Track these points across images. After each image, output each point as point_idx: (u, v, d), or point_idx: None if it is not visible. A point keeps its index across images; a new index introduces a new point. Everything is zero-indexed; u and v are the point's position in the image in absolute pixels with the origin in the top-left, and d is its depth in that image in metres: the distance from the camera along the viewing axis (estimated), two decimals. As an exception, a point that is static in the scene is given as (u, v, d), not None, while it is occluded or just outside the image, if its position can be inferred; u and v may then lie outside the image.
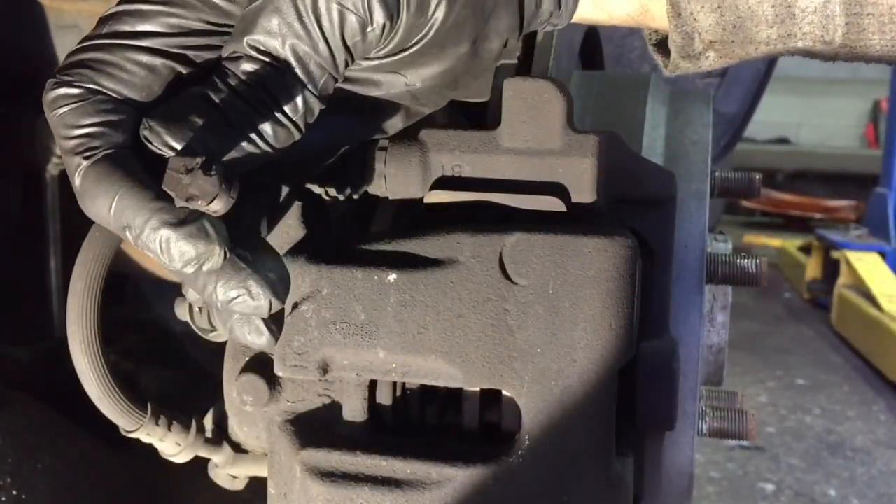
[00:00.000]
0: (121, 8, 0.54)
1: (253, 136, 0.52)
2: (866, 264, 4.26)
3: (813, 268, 4.90)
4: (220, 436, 0.75)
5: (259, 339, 0.59)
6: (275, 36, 0.51)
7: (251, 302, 0.54)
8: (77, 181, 0.51)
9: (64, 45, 1.01)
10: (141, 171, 0.51)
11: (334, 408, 0.65)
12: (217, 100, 0.51)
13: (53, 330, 1.09)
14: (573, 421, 0.58)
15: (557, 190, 0.61)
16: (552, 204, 0.61)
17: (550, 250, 0.58)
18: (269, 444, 0.66)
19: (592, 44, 1.06)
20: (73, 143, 0.51)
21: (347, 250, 0.63)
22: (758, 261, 0.84)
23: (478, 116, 0.68)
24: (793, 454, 2.97)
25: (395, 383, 0.64)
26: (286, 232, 0.65)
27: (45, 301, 1.10)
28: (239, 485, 0.79)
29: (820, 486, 2.75)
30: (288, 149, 0.54)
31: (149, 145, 0.51)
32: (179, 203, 0.49)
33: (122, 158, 0.51)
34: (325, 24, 0.51)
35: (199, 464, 0.77)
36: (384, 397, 0.64)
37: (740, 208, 6.90)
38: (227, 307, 0.54)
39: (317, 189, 0.65)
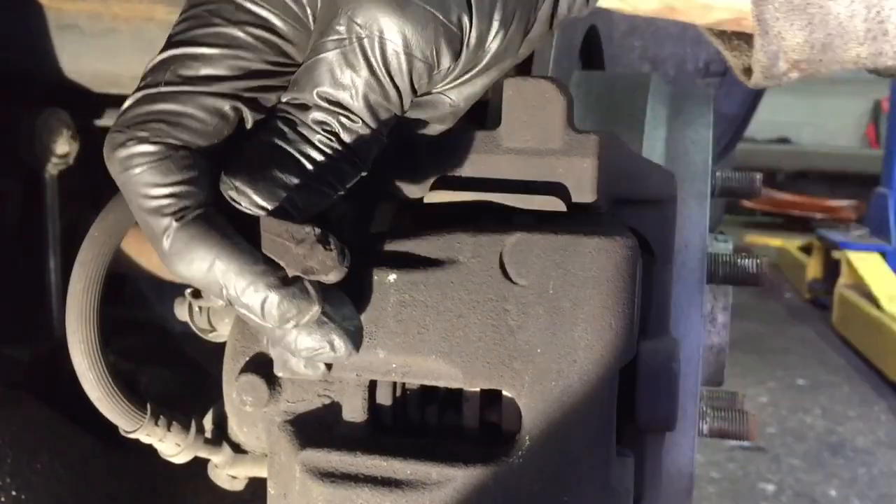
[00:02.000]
0: (178, 52, 0.53)
1: (330, 183, 0.53)
2: (867, 264, 4.26)
3: (814, 268, 4.90)
4: (220, 436, 0.75)
5: (315, 372, 0.60)
6: (347, 88, 0.51)
7: (332, 354, 0.56)
8: (166, 243, 0.51)
9: (64, 45, 1.00)
10: (232, 231, 0.52)
11: (334, 408, 0.65)
12: (291, 150, 0.52)
13: (53, 330, 1.09)
14: (573, 421, 0.58)
15: (557, 190, 0.60)
16: (552, 204, 0.60)
17: (550, 250, 0.58)
18: (268, 445, 0.66)
19: (592, 44, 1.06)
20: (158, 203, 0.51)
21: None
22: (758, 261, 0.84)
23: (478, 116, 0.68)
24: (793, 454, 2.97)
25: (395, 383, 0.64)
26: (286, 232, 0.65)
27: (45, 301, 1.10)
28: (239, 485, 0.79)
29: (821, 486, 2.75)
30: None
31: (237, 206, 0.52)
32: (292, 273, 0.51)
33: (214, 218, 0.51)
34: (396, 74, 0.52)
35: (199, 464, 0.77)
36: (384, 397, 0.64)
37: (741, 208, 6.90)
38: (309, 357, 0.56)
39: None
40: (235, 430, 0.72)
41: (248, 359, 0.68)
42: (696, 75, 1.91)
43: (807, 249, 5.13)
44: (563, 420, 0.58)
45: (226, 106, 0.52)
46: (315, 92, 0.52)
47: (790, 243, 5.49)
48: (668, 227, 0.68)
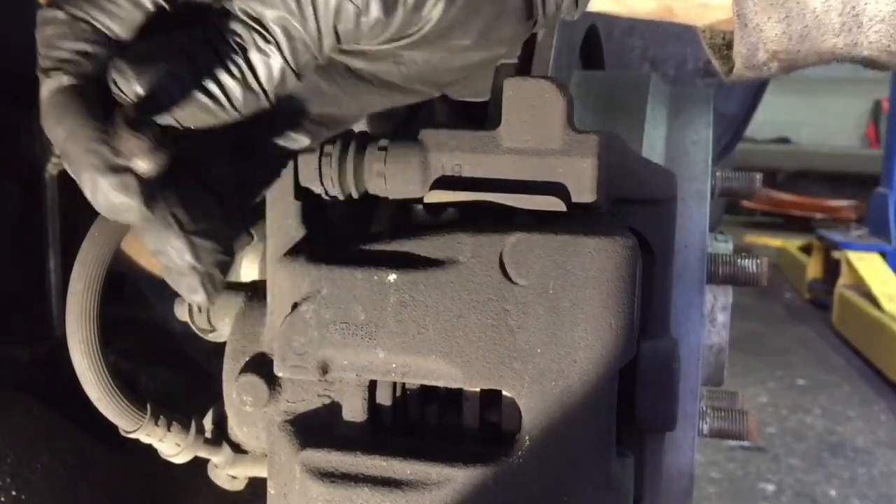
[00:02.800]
0: None
1: (220, 96, 0.52)
2: (867, 264, 4.26)
3: (814, 268, 4.90)
4: (220, 436, 0.75)
5: (193, 296, 0.57)
6: (268, 6, 0.51)
7: (174, 261, 0.54)
8: (42, 102, 0.51)
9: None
10: (99, 109, 0.51)
11: (334, 408, 0.65)
12: (194, 54, 0.51)
13: (53, 330, 1.09)
14: (573, 421, 0.58)
15: (557, 190, 0.60)
16: (552, 204, 0.60)
17: (550, 250, 0.58)
18: (268, 445, 0.66)
19: (592, 44, 1.06)
20: (47, 63, 0.52)
21: (347, 250, 0.63)
22: (758, 261, 0.84)
23: (478, 116, 0.68)
24: (793, 454, 2.97)
25: (395, 383, 0.64)
26: (286, 232, 0.65)
27: (45, 301, 1.10)
28: (239, 485, 0.79)
29: (821, 486, 2.75)
30: (262, 117, 0.54)
31: (113, 86, 0.51)
32: (119, 160, 0.49)
33: (86, 92, 0.51)
34: (321, 6, 0.51)
35: (199, 464, 0.77)
36: (384, 397, 0.64)
37: (741, 208, 6.90)
38: (157, 259, 0.55)
39: (317, 189, 0.65)
40: (235, 429, 0.72)
41: (248, 359, 0.68)
42: (696, 75, 1.91)
43: (807, 249, 5.13)
44: (563, 420, 0.58)
45: None
46: (238, 3, 0.51)
47: (790, 243, 5.49)
48: (668, 227, 0.68)
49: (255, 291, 0.72)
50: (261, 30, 0.51)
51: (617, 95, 0.89)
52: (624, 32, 1.69)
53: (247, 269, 0.82)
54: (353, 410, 0.64)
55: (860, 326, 4.03)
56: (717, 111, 0.94)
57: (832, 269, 4.61)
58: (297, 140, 0.59)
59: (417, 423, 0.65)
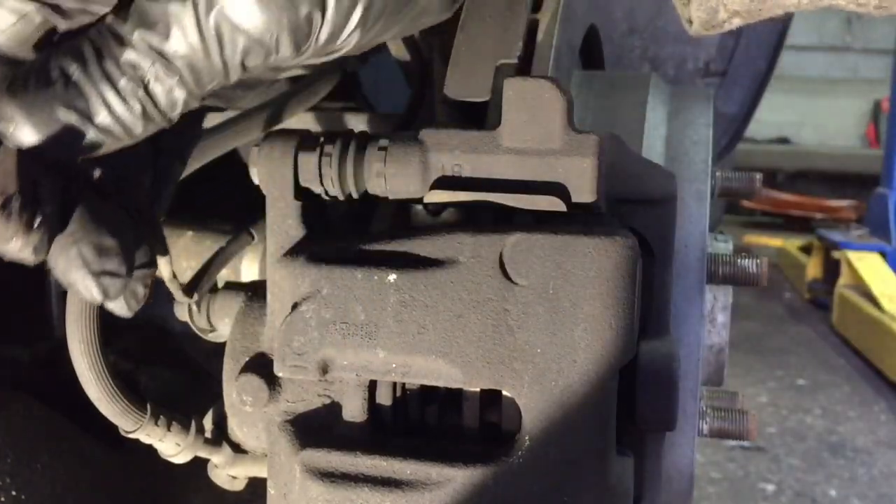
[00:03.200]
0: None
1: (117, 131, 0.51)
2: (867, 264, 4.25)
3: (813, 268, 4.90)
4: (220, 436, 0.75)
5: (120, 313, 0.58)
6: (172, 41, 0.50)
7: (85, 296, 0.54)
8: None
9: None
10: None
11: (334, 408, 0.65)
12: (89, 87, 0.50)
13: (53, 330, 1.09)
14: (573, 421, 0.58)
15: (557, 190, 0.60)
16: (552, 204, 0.60)
17: (550, 250, 0.58)
18: (268, 445, 0.66)
19: (592, 44, 1.06)
20: None
21: (347, 250, 0.63)
22: (758, 261, 0.84)
23: (478, 116, 0.68)
24: (793, 454, 2.97)
25: (395, 383, 0.64)
26: (286, 232, 0.65)
27: (45, 301, 1.10)
28: (239, 485, 0.79)
29: (821, 486, 2.75)
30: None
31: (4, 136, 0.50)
32: None
33: None
34: (228, 46, 0.50)
35: (199, 464, 0.77)
36: (384, 397, 0.64)
37: (741, 208, 6.90)
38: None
39: (317, 189, 0.65)
40: (235, 429, 0.72)
41: (247, 359, 0.68)
42: (696, 75, 1.91)
43: (807, 249, 5.12)
44: (563, 420, 0.58)
45: (28, 7, 0.50)
46: (139, 32, 0.50)
47: (790, 243, 5.49)
48: (668, 227, 0.68)
49: (255, 291, 0.72)
50: (163, 62, 0.50)
51: (617, 95, 0.89)
52: (623, 33, 1.69)
53: (247, 269, 0.82)
54: (353, 410, 0.64)
55: (860, 326, 4.03)
56: (717, 111, 0.94)
57: (832, 270, 4.61)
58: (211, 118, 0.58)
59: (417, 423, 0.65)
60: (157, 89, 0.50)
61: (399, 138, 0.63)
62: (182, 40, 0.50)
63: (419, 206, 0.65)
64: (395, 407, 0.64)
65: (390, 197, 0.64)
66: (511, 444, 0.60)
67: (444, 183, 0.62)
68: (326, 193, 0.65)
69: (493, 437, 0.62)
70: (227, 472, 0.77)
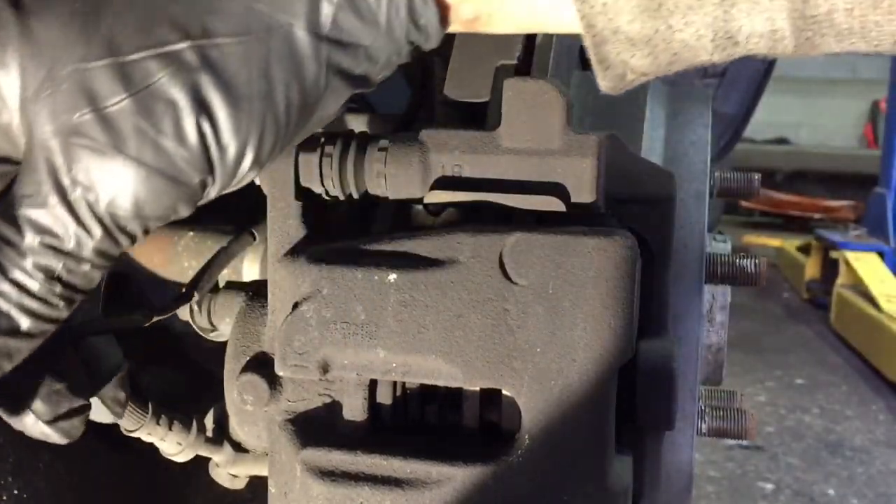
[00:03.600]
0: None
1: (47, 326, 0.50)
2: (865, 264, 4.26)
3: (812, 268, 4.90)
4: (221, 435, 0.75)
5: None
6: (75, 242, 0.48)
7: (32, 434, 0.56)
8: None
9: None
10: None
11: (335, 407, 0.65)
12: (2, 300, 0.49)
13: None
14: (573, 420, 0.58)
15: (557, 190, 0.61)
16: (552, 204, 0.61)
17: (550, 250, 0.58)
18: (269, 444, 0.66)
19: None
20: None
21: (347, 250, 0.63)
22: (757, 261, 0.84)
23: (478, 117, 0.68)
24: (792, 453, 2.97)
25: (395, 383, 0.64)
26: (287, 232, 0.65)
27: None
28: (239, 484, 0.79)
29: (819, 485, 2.76)
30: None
31: None
32: None
33: None
34: (127, 227, 0.49)
35: (200, 463, 0.77)
36: (384, 397, 0.64)
37: (740, 208, 6.90)
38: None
39: (317, 189, 0.65)
40: (236, 429, 0.72)
41: (248, 358, 0.68)
42: (695, 76, 1.91)
43: (805, 249, 5.12)
44: (563, 419, 0.58)
45: None
46: (39, 239, 0.48)
47: (788, 243, 5.49)
48: (667, 228, 0.68)
49: (256, 291, 0.72)
50: (70, 259, 0.49)
51: (616, 96, 0.89)
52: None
53: (248, 269, 0.82)
54: (354, 409, 0.64)
55: (858, 326, 4.03)
56: (716, 111, 0.94)
57: (830, 269, 4.61)
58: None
59: (418, 422, 0.65)
60: (73, 279, 0.50)
61: (399, 139, 0.63)
62: (83, 234, 0.48)
63: (419, 206, 0.66)
64: (396, 406, 0.65)
65: (390, 197, 0.64)
66: (511, 443, 0.60)
67: (444, 183, 0.63)
68: (327, 194, 0.65)
69: (493, 436, 0.63)
70: (229, 471, 0.77)
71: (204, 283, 0.73)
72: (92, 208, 0.48)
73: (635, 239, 0.60)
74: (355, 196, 0.65)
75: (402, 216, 0.67)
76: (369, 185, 0.64)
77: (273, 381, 0.65)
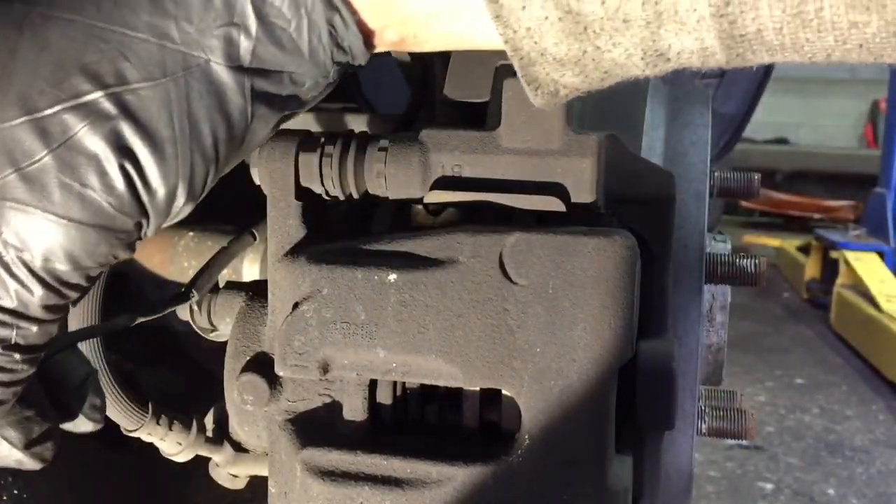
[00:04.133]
0: None
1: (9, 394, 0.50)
2: (865, 264, 4.26)
3: (812, 268, 4.91)
4: (221, 435, 0.75)
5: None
6: (20, 302, 0.48)
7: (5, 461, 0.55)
8: None
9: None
10: None
11: (335, 407, 0.65)
12: None
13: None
14: (573, 420, 0.58)
15: (557, 190, 0.61)
16: (552, 204, 0.61)
17: (550, 250, 0.58)
18: (269, 444, 0.66)
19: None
20: None
21: (347, 250, 0.63)
22: (757, 261, 0.84)
23: (478, 117, 0.68)
24: (792, 453, 2.97)
25: (395, 383, 0.64)
26: (287, 232, 0.65)
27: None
28: (240, 483, 0.79)
29: (819, 485, 2.76)
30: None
31: None
32: None
33: None
34: (67, 281, 0.49)
35: (200, 463, 0.77)
36: (384, 397, 0.64)
37: (739, 208, 6.90)
38: None
39: (317, 189, 0.65)
40: (236, 428, 0.72)
41: (248, 358, 0.68)
42: (695, 76, 1.91)
43: (805, 249, 5.13)
44: (563, 419, 0.58)
45: None
46: None
47: (788, 243, 5.49)
48: (666, 228, 0.68)
49: (256, 291, 0.72)
50: (20, 321, 0.49)
51: (616, 96, 0.89)
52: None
53: (248, 269, 0.82)
54: (354, 409, 0.64)
55: (858, 326, 4.04)
56: (716, 111, 0.94)
57: (830, 269, 4.61)
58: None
59: (417, 422, 0.65)
60: (29, 340, 0.50)
61: (399, 139, 0.63)
62: (26, 294, 0.48)
63: (419, 206, 0.66)
64: (396, 406, 0.65)
65: (390, 197, 0.64)
66: (511, 442, 0.60)
67: (444, 183, 0.63)
68: (327, 193, 0.65)
69: (493, 436, 0.63)
70: (229, 471, 0.77)
71: (204, 283, 0.73)
72: (28, 267, 0.47)
73: (635, 239, 0.60)
74: (355, 196, 0.65)
75: (402, 216, 0.67)
76: (369, 185, 0.64)
77: (273, 381, 0.65)
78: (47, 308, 0.49)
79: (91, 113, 0.46)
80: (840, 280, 4.38)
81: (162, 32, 0.46)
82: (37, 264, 0.47)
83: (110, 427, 0.74)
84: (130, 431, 0.73)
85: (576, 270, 0.58)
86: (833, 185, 7.01)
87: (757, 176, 0.90)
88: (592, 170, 0.60)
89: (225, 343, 0.71)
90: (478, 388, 0.62)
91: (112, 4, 0.46)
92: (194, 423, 0.75)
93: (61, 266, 0.48)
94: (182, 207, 0.50)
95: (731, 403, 0.88)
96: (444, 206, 0.64)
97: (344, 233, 0.68)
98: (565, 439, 0.59)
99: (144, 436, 0.73)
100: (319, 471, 0.62)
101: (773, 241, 5.76)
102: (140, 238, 0.50)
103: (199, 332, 0.75)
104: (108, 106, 0.46)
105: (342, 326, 0.61)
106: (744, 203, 6.63)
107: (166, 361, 1.06)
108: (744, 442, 2.84)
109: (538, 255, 0.58)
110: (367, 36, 0.49)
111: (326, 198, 0.65)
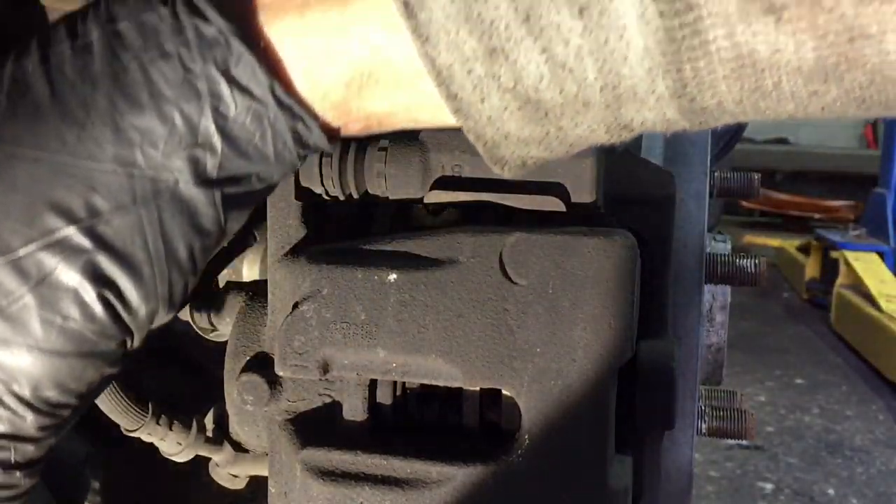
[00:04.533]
0: None
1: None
2: (865, 264, 4.26)
3: (812, 268, 4.91)
4: (221, 435, 0.75)
5: None
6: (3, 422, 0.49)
7: None
8: None
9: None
10: None
11: (335, 407, 0.65)
12: None
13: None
14: (572, 420, 0.58)
15: (557, 190, 0.61)
16: (551, 204, 0.61)
17: (550, 250, 0.58)
18: (269, 444, 0.66)
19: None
20: None
21: (347, 250, 0.63)
22: (757, 261, 0.84)
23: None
24: (792, 453, 2.98)
25: (395, 383, 0.64)
26: (287, 232, 0.65)
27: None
28: (240, 484, 0.79)
29: (819, 485, 2.76)
30: None
31: None
32: None
33: None
34: (56, 406, 0.49)
35: (200, 463, 0.77)
36: (384, 397, 0.64)
37: (739, 208, 6.91)
38: None
39: (317, 189, 0.65)
40: (236, 428, 0.72)
41: (248, 358, 0.68)
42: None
43: (805, 249, 5.13)
44: (563, 419, 0.58)
45: None
46: None
47: (788, 243, 5.50)
48: (666, 227, 0.68)
49: (256, 291, 0.72)
50: (16, 443, 0.49)
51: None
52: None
53: (248, 270, 0.82)
54: (354, 409, 0.64)
55: (858, 326, 4.04)
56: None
57: (830, 269, 4.62)
58: None
59: (417, 421, 0.65)
60: (28, 456, 0.50)
61: (399, 138, 0.64)
62: (19, 421, 0.49)
63: (419, 206, 0.66)
64: (396, 406, 0.65)
65: (390, 197, 0.64)
66: (511, 442, 0.60)
67: (444, 183, 0.63)
68: (327, 193, 0.65)
69: (493, 435, 0.63)
70: (229, 471, 0.77)
71: (203, 283, 0.73)
72: (18, 397, 0.48)
73: (635, 239, 0.60)
74: (355, 196, 0.65)
75: (402, 216, 0.67)
76: (369, 184, 0.64)
77: (273, 381, 0.65)
78: (42, 429, 0.50)
79: (65, 249, 0.46)
80: (840, 280, 4.38)
81: (128, 161, 0.46)
82: (26, 394, 0.48)
83: (110, 427, 0.74)
84: (130, 431, 0.73)
85: (576, 270, 0.58)
86: (833, 185, 7.01)
87: (757, 176, 0.90)
88: (592, 170, 0.60)
89: (225, 343, 0.71)
90: (478, 388, 0.62)
91: (76, 138, 0.46)
92: (194, 423, 0.75)
93: (51, 393, 0.48)
94: (165, 317, 0.51)
95: (730, 403, 0.88)
96: (444, 206, 0.64)
97: (344, 233, 0.68)
98: (565, 439, 0.59)
99: (144, 436, 0.73)
100: (319, 471, 0.62)
101: (773, 241, 5.77)
102: (127, 354, 0.51)
103: (199, 332, 0.75)
104: (82, 240, 0.47)
105: (342, 326, 0.61)
106: (744, 203, 6.64)
107: (166, 361, 1.06)
108: (744, 442, 2.84)
109: (538, 255, 0.59)
110: (331, 133, 0.50)
111: (326, 198, 0.65)
